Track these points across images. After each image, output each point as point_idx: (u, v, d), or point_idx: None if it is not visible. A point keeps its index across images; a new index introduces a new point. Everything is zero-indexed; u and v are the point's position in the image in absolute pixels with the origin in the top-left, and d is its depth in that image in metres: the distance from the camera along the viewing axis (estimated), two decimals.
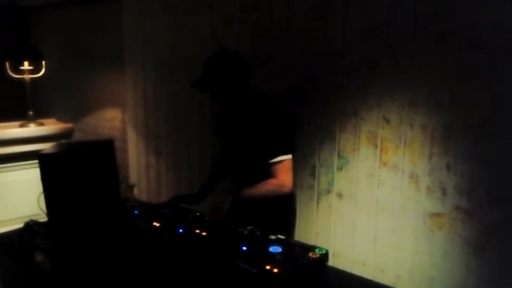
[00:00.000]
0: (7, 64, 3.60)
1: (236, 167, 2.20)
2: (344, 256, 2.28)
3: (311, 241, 2.38)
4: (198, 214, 2.02)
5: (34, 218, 2.10)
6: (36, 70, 3.73)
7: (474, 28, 1.73)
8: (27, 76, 3.63)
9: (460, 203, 1.86)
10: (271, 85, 2.43)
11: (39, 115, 4.09)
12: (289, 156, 1.95)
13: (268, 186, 1.97)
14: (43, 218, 2.01)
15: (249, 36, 2.53)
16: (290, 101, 2.35)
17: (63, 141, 3.49)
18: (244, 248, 1.66)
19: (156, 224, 1.95)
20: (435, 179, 1.92)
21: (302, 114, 2.30)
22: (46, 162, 2.00)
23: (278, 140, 1.96)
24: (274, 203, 2.03)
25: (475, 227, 1.83)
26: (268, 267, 1.51)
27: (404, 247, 2.06)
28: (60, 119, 4.18)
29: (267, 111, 2.01)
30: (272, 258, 1.58)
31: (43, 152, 2.04)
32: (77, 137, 4.17)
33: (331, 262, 2.29)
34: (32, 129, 3.63)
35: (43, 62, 3.74)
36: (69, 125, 3.90)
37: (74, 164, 1.97)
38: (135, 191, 2.49)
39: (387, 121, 2.03)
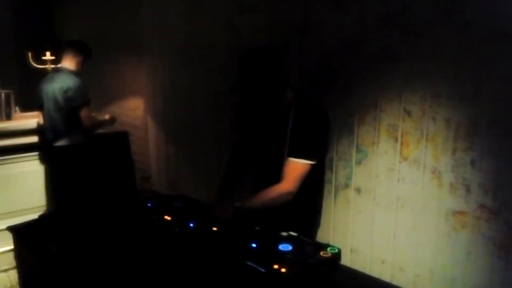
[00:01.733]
0: (29, 54, 3.64)
1: (259, 165, 2.09)
2: (363, 253, 2.20)
3: (328, 237, 2.32)
4: None
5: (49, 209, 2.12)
6: (58, 60, 3.75)
7: (500, 16, 1.61)
8: (49, 66, 3.66)
9: (485, 201, 1.75)
10: (288, 76, 2.36)
11: None
12: (310, 162, 1.84)
13: (273, 194, 1.87)
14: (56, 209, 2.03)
15: (264, 24, 2.45)
16: (307, 92, 2.26)
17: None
18: (254, 245, 1.62)
19: (167, 217, 1.93)
20: (459, 176, 1.81)
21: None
22: (58, 154, 2.01)
23: (306, 139, 1.85)
24: (298, 200, 1.91)
25: (500, 227, 1.72)
26: (276, 267, 1.46)
27: (425, 246, 1.97)
28: None
29: (307, 109, 1.88)
30: (281, 257, 1.53)
31: (55, 144, 2.05)
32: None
33: (349, 258, 2.24)
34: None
35: None
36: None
37: (87, 156, 1.97)
38: (151, 182, 2.48)
39: (408, 114, 1.93)
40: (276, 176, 1.89)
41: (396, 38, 1.90)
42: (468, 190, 1.79)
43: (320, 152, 1.91)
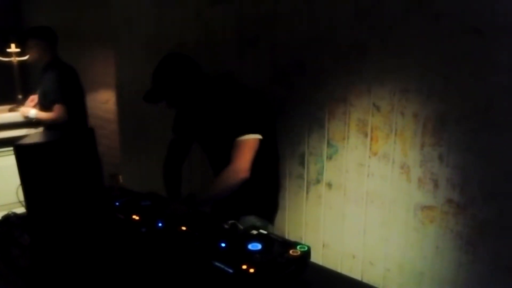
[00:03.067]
0: None
1: (212, 159, 2.17)
2: (334, 248, 2.21)
3: (300, 232, 2.32)
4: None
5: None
6: (24, 52, 3.63)
7: (470, 11, 1.60)
8: (15, 59, 3.54)
9: (453, 196, 1.77)
10: (258, 70, 2.34)
11: None
12: (252, 136, 1.88)
13: (223, 178, 1.89)
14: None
15: (234, 16, 2.40)
16: (278, 87, 2.24)
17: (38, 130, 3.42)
18: (223, 245, 1.59)
19: (135, 217, 1.88)
20: (427, 171, 1.82)
21: (290, 100, 2.20)
22: (22, 153, 1.93)
23: (239, 118, 1.91)
24: (255, 184, 1.96)
25: (467, 222, 1.73)
26: (244, 267, 1.44)
27: (394, 240, 1.98)
28: None
29: (227, 95, 1.98)
30: (250, 257, 1.51)
31: (19, 142, 1.97)
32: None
33: (321, 253, 2.25)
34: (19, 114, 3.55)
35: None
36: None
37: (52, 154, 1.90)
38: (120, 180, 2.42)
39: (378, 109, 1.92)
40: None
41: (366, 32, 1.88)
42: (436, 185, 1.80)
43: (259, 127, 1.92)
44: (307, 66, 2.13)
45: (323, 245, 2.24)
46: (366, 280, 2.04)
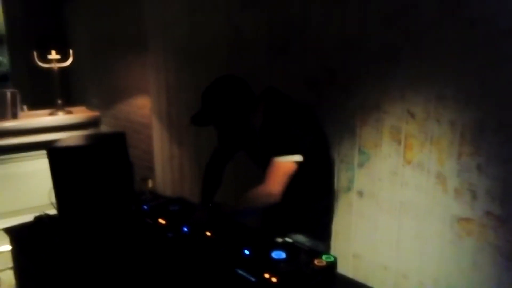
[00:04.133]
0: (35, 53, 3.64)
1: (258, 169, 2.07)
2: (365, 259, 2.13)
3: (330, 241, 2.25)
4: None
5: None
6: (64, 58, 3.75)
7: (506, 13, 1.51)
8: (55, 65, 3.66)
9: (492, 208, 1.66)
10: (288, 76, 2.30)
11: (72, 104, 4.14)
12: (290, 158, 1.79)
13: (252, 197, 1.83)
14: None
15: (265, 21, 2.38)
16: (307, 93, 2.20)
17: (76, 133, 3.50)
18: (247, 252, 1.56)
19: (162, 221, 1.89)
20: (464, 181, 1.72)
21: (320, 107, 2.15)
22: (55, 156, 1.97)
23: (280, 137, 1.82)
24: (307, 199, 1.93)
25: (507, 236, 1.63)
26: (267, 276, 1.41)
27: (428, 253, 1.88)
28: (92, 107, 4.21)
29: (276, 111, 1.88)
30: (274, 266, 1.48)
31: (52, 146, 2.02)
32: (109, 124, 4.20)
33: (351, 264, 2.17)
34: (58, 118, 3.67)
35: (70, 51, 3.75)
36: (96, 114, 3.93)
37: (84, 158, 1.93)
38: (150, 184, 2.44)
39: (412, 116, 1.84)
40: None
41: (399, 37, 1.81)
42: (474, 196, 1.71)
43: (301, 147, 1.83)
44: (337, 72, 2.08)
45: (354, 256, 2.17)
46: None
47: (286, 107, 1.90)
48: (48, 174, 1.91)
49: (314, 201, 2.03)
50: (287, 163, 1.79)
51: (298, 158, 1.80)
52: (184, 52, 3.03)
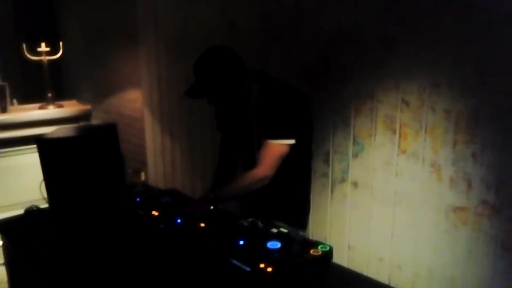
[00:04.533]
0: (24, 46, 3.58)
1: (246, 158, 2.07)
2: (360, 250, 2.12)
3: (324, 233, 2.24)
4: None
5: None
6: (55, 51, 3.70)
7: (505, 0, 1.49)
8: (45, 58, 3.60)
9: (487, 197, 1.66)
10: (283, 66, 2.28)
11: (63, 97, 4.09)
12: (286, 142, 1.80)
13: (248, 180, 1.84)
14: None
15: (259, 12, 2.36)
16: (302, 84, 2.18)
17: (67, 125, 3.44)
18: (241, 242, 1.54)
19: (154, 213, 1.86)
20: (459, 170, 1.72)
21: (314, 97, 2.13)
22: (45, 148, 1.93)
23: (276, 119, 1.81)
24: (283, 186, 1.90)
25: (503, 225, 1.62)
26: (262, 266, 1.39)
27: (423, 243, 1.88)
28: (83, 100, 4.16)
29: (272, 92, 1.87)
30: (268, 256, 1.45)
31: (41, 137, 1.98)
32: (100, 118, 4.15)
33: (346, 255, 2.16)
34: (49, 112, 3.62)
35: (61, 43, 3.70)
36: (87, 107, 3.88)
37: (74, 150, 1.90)
38: (142, 176, 2.41)
39: (407, 104, 1.83)
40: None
41: (394, 26, 1.79)
42: (469, 185, 1.70)
43: (294, 131, 1.83)
44: (331, 62, 2.06)
45: (349, 247, 2.16)
46: (393, 284, 1.94)
47: (284, 89, 1.89)
48: (38, 168, 1.88)
49: (294, 187, 2.02)
50: (281, 145, 1.80)
51: (292, 141, 1.81)
52: (177, 45, 2.99)
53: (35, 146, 2.97)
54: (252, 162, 1.91)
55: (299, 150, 1.88)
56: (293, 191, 2.01)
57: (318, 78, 2.13)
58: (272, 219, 1.90)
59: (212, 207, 1.84)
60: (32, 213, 2.05)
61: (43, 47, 3.57)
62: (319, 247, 1.51)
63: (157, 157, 3.41)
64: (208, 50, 1.90)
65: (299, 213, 2.07)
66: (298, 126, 1.86)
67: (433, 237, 1.83)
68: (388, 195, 1.97)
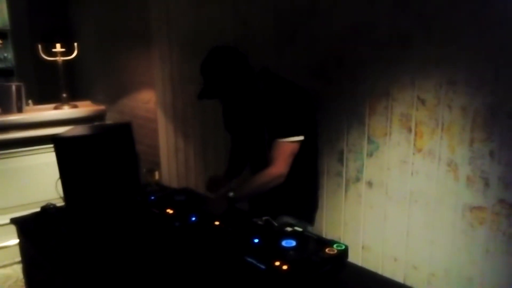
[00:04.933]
0: (39, 46, 3.62)
1: (253, 157, 2.10)
2: (375, 250, 2.10)
3: (338, 232, 2.22)
4: None
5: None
6: (69, 52, 3.73)
7: None
8: (60, 58, 3.64)
9: (505, 196, 1.63)
10: (296, 65, 2.27)
11: (77, 98, 4.12)
12: (296, 139, 1.84)
13: (264, 178, 1.87)
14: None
15: (271, 11, 2.35)
16: (316, 82, 2.17)
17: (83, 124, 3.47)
18: (256, 240, 1.54)
19: (169, 211, 1.87)
20: (477, 168, 1.69)
21: (328, 95, 2.12)
22: (61, 146, 1.95)
23: (285, 118, 1.85)
24: (291, 182, 1.91)
25: None
26: (277, 264, 1.38)
27: (440, 243, 1.85)
28: (97, 101, 4.19)
29: (277, 90, 1.91)
30: (283, 254, 1.45)
31: (58, 135, 2.00)
32: (114, 119, 4.18)
33: (361, 255, 2.14)
34: (63, 112, 3.66)
35: (75, 44, 3.73)
36: (101, 107, 3.91)
37: (90, 148, 1.91)
38: (157, 175, 2.42)
39: (422, 102, 1.81)
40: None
41: (410, 22, 1.78)
42: (486, 184, 1.67)
43: (302, 127, 1.88)
44: (345, 60, 2.05)
45: (363, 247, 2.14)
46: (409, 285, 1.91)
47: (286, 87, 1.93)
48: (53, 168, 1.90)
49: (302, 183, 2.04)
50: (292, 143, 1.85)
51: (301, 137, 1.86)
52: (190, 44, 3.00)
53: (50, 146, 3.01)
54: (260, 159, 1.93)
55: (306, 146, 1.91)
56: (301, 187, 2.03)
57: (332, 76, 2.12)
58: (279, 214, 1.93)
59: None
60: (48, 210, 2.07)
61: (58, 48, 3.61)
62: (335, 245, 1.50)
63: (171, 157, 3.42)
64: (212, 51, 1.93)
65: (306, 208, 2.10)
66: (304, 122, 1.90)
67: (450, 237, 1.81)
68: (403, 195, 1.94)
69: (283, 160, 1.85)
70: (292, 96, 1.89)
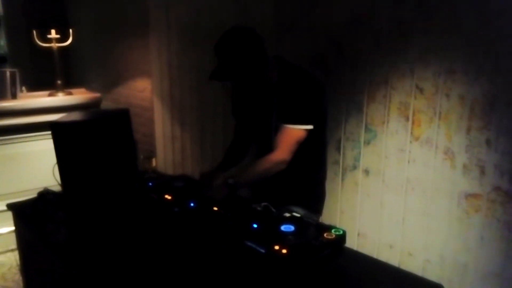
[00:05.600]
0: (35, 32, 3.58)
1: (259, 144, 2.07)
2: (370, 237, 2.13)
3: (335, 220, 2.25)
4: None
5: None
6: (64, 38, 3.69)
7: None
8: (54, 45, 3.59)
9: (501, 183, 1.66)
10: (295, 53, 2.27)
11: (72, 85, 4.09)
12: (303, 127, 1.79)
13: (266, 164, 1.82)
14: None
15: (271, 0, 2.35)
16: (315, 70, 2.17)
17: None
18: (255, 225, 1.55)
19: (168, 197, 1.87)
20: (473, 156, 1.72)
21: (327, 83, 2.12)
22: (59, 131, 1.94)
23: (295, 104, 1.80)
24: (299, 171, 1.89)
25: None
26: (276, 248, 1.39)
27: (435, 230, 1.88)
28: (92, 88, 4.16)
29: (292, 77, 1.85)
30: (283, 238, 1.46)
31: (55, 121, 1.99)
32: (109, 107, 4.16)
33: (356, 242, 2.17)
34: (58, 99, 3.62)
35: (70, 30, 3.69)
36: (97, 95, 3.87)
37: (87, 134, 1.90)
38: (154, 163, 2.41)
39: (421, 91, 1.83)
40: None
41: (408, 11, 1.79)
42: (482, 171, 1.70)
43: (312, 116, 1.82)
44: (345, 48, 2.05)
45: (358, 234, 2.17)
46: None
47: (303, 75, 1.87)
48: (48, 155, 1.88)
49: (309, 173, 2.00)
50: (299, 130, 1.79)
51: (309, 127, 1.80)
52: (189, 32, 2.99)
53: (45, 133, 2.98)
54: (267, 146, 1.91)
55: (315, 136, 1.87)
56: (308, 177, 1.99)
57: (331, 65, 2.13)
58: (286, 204, 1.91)
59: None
60: (45, 196, 2.06)
61: (53, 34, 3.57)
62: (333, 230, 1.51)
63: (167, 146, 3.42)
64: (230, 31, 1.86)
65: (313, 199, 2.06)
66: (315, 112, 1.85)
67: (445, 224, 1.84)
68: (400, 182, 1.97)
69: (287, 147, 1.80)
70: (306, 85, 1.84)
